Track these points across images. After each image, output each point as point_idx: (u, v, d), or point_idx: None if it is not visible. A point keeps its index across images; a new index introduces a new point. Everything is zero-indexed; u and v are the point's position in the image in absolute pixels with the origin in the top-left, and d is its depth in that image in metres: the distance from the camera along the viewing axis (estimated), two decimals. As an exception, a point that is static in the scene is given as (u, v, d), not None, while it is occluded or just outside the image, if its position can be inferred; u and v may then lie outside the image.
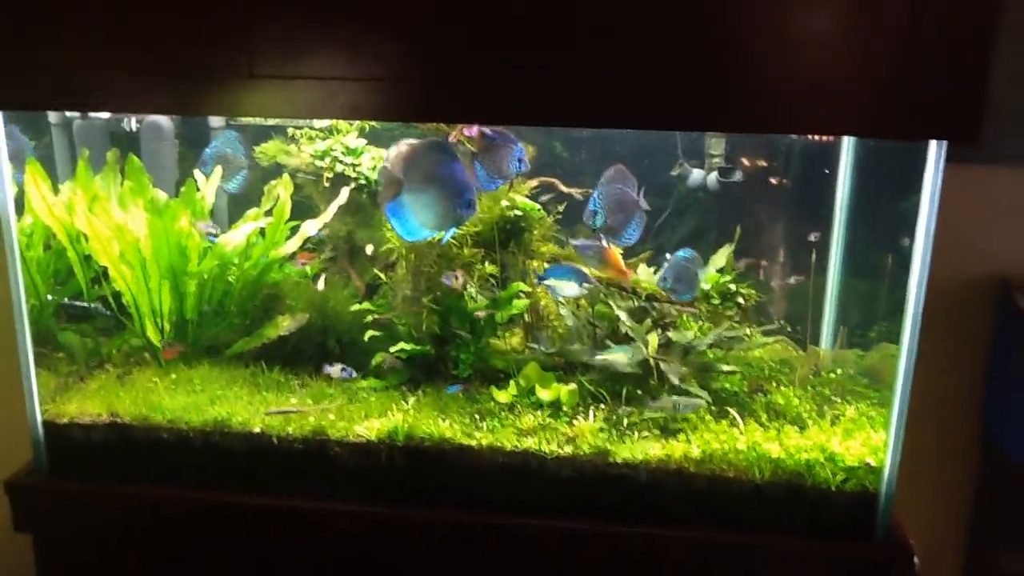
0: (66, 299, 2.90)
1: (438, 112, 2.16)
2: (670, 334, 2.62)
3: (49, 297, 2.85)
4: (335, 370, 2.55)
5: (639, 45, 1.92)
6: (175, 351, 2.70)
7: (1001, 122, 2.74)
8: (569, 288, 2.50)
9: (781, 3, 1.88)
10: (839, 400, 2.52)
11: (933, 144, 2.03)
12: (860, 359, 2.67)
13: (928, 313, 2.12)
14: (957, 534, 3.04)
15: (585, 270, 2.50)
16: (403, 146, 2.30)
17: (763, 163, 2.88)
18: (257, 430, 2.43)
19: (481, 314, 2.60)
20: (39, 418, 2.51)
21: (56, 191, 2.73)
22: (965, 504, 3.02)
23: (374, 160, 2.79)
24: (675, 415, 2.38)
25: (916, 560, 2.19)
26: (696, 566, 2.29)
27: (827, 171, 2.78)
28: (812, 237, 2.79)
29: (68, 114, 2.97)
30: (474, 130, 2.47)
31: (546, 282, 2.52)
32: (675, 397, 2.41)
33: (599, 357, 2.49)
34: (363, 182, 2.79)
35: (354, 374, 2.56)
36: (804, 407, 2.47)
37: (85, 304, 2.86)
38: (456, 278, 2.53)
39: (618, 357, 2.48)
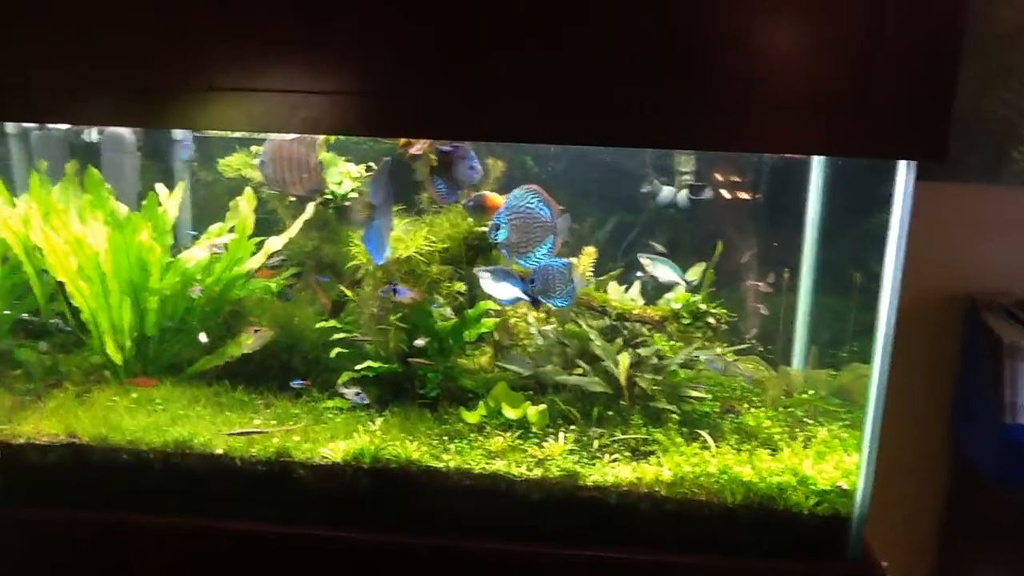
0: (24, 314, 2.82)
1: (400, 126, 2.12)
2: (640, 352, 2.59)
3: (6, 312, 2.77)
4: (350, 392, 2.49)
5: (605, 62, 1.89)
6: (148, 382, 2.65)
7: (966, 139, 2.75)
8: (503, 291, 2.46)
9: (747, 22, 1.86)
10: (811, 422, 2.51)
11: (903, 163, 2.02)
12: (832, 379, 2.66)
13: (898, 331, 2.11)
14: (928, 552, 3.03)
15: (518, 279, 2.46)
16: (278, 145, 2.41)
17: (735, 180, 2.86)
18: (219, 451, 2.37)
19: (422, 342, 2.55)
20: (-8, 439, 2.43)
21: (13, 204, 2.65)
22: (936, 522, 3.02)
23: (341, 175, 2.73)
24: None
25: (887, 582, 2.18)
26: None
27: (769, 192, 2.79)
28: (746, 257, 2.75)
29: (25, 124, 2.90)
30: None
31: (482, 280, 2.47)
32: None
33: None
34: (329, 196, 2.74)
35: (366, 400, 2.50)
36: (776, 429, 2.45)
37: (42, 320, 2.78)
38: (393, 292, 2.49)
39: None
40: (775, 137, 1.97)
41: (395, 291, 2.47)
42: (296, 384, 2.56)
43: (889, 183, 2.05)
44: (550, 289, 2.42)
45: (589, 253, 2.76)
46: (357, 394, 2.47)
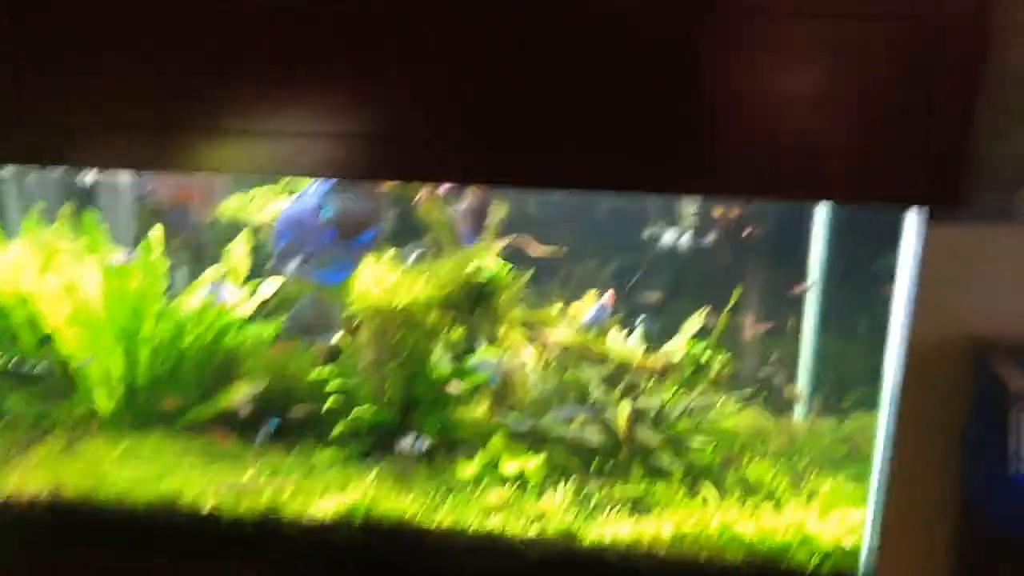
0: (13, 360, 2.78)
1: (411, 170, 2.07)
2: (639, 402, 2.53)
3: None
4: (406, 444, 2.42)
5: (617, 107, 1.84)
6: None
7: (978, 180, 2.70)
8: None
9: (760, 68, 1.81)
10: (815, 473, 2.44)
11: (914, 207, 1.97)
12: (837, 428, 2.59)
13: (907, 378, 2.05)
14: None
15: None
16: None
17: (737, 223, 2.81)
18: (209, 507, 2.32)
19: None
20: (-24, 494, 2.39)
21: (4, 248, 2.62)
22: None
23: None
24: None
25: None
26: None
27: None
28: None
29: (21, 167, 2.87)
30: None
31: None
32: None
33: None
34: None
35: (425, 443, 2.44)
36: (778, 481, 2.38)
37: (31, 367, 2.74)
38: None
39: None
40: (788, 184, 1.91)
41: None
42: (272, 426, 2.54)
43: (898, 224, 2.00)
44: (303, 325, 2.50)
45: (589, 297, 2.71)
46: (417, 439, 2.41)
